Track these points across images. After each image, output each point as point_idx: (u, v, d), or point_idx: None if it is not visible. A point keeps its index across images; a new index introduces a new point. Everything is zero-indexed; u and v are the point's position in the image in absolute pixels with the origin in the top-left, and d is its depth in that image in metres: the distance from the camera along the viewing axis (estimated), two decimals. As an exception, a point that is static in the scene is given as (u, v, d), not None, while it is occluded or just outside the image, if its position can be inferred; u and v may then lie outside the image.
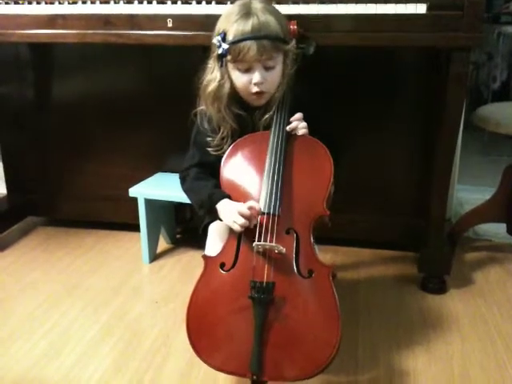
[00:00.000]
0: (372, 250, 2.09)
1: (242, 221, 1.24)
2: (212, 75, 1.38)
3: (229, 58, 1.33)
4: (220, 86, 1.38)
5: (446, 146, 1.69)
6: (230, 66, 1.36)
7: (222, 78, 1.37)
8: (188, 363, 1.48)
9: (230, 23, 1.31)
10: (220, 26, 1.35)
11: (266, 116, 1.40)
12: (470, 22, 1.49)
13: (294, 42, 1.40)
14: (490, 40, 3.56)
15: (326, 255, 2.03)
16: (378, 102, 1.95)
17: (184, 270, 2.00)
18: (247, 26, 1.29)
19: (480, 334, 1.61)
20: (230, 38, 1.31)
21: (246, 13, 1.31)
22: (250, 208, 1.24)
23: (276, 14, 1.36)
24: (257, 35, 1.29)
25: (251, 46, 1.29)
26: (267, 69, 1.34)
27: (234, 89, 1.39)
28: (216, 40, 1.33)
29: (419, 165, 1.98)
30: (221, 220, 1.33)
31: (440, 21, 1.51)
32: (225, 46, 1.31)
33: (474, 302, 1.77)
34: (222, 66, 1.36)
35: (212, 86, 1.38)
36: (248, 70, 1.34)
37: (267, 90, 1.37)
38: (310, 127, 1.38)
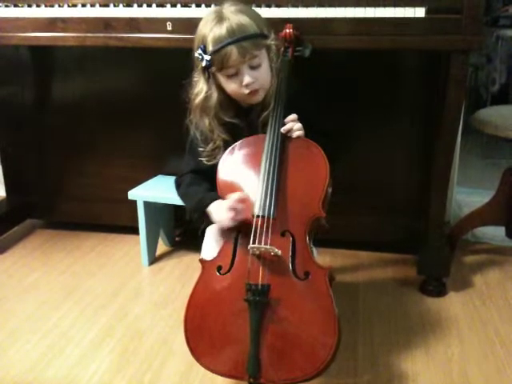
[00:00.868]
0: (371, 252, 2.10)
1: (232, 213, 1.25)
2: (198, 88, 1.40)
3: (214, 68, 1.34)
4: (207, 97, 1.39)
5: (446, 147, 1.69)
6: (218, 75, 1.37)
7: (209, 89, 1.38)
8: (187, 365, 1.48)
9: (207, 33, 1.32)
10: (198, 38, 1.36)
11: (265, 113, 1.41)
12: (469, 25, 1.49)
13: (273, 35, 1.39)
14: (488, 43, 3.57)
15: (325, 258, 2.03)
16: (378, 104, 1.95)
17: (183, 273, 2.01)
18: (222, 31, 1.30)
19: (479, 337, 1.61)
20: (209, 48, 1.32)
21: (219, 19, 1.32)
22: (236, 200, 1.25)
23: (249, 12, 1.36)
24: (234, 38, 1.30)
25: (232, 50, 1.30)
26: (254, 68, 1.35)
27: (224, 97, 1.40)
28: (197, 54, 1.34)
29: (419, 166, 1.98)
30: (214, 223, 1.34)
31: (439, 24, 1.52)
32: (207, 57, 1.33)
33: (473, 304, 1.78)
34: (209, 77, 1.37)
35: (198, 99, 1.39)
36: (236, 74, 1.34)
37: (260, 87, 1.38)
38: (306, 127, 1.38)
